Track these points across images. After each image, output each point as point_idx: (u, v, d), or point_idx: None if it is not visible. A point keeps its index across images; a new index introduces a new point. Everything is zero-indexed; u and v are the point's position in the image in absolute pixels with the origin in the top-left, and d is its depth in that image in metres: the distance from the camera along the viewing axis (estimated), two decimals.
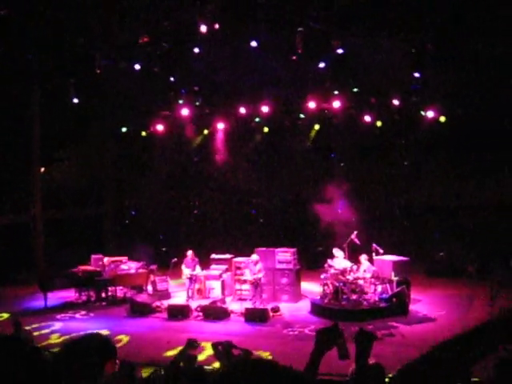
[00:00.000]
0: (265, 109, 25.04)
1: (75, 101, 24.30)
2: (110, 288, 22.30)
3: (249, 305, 20.01)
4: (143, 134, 27.77)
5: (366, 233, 21.90)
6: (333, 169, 28.11)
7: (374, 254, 20.51)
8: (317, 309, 19.46)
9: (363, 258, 20.18)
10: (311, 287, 22.96)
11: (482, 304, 18.87)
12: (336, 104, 23.87)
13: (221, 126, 26.60)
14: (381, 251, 20.46)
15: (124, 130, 27.09)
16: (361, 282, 19.32)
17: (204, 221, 30.61)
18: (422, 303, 20.30)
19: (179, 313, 19.48)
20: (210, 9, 19.66)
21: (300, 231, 27.56)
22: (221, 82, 23.90)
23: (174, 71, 23.74)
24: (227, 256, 22.93)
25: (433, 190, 26.03)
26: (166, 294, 22.47)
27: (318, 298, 20.11)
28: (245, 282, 21.26)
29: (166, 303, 20.84)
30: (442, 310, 19.03)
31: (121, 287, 22.67)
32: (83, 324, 18.93)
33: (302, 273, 22.42)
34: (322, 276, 20.02)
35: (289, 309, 20.18)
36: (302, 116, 26.09)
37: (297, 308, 20.46)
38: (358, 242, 20.42)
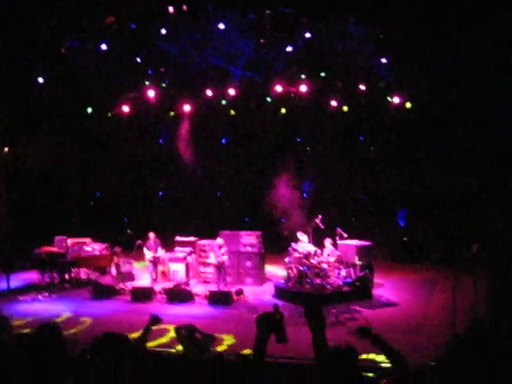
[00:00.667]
0: (231, 91, 24.96)
1: (40, 81, 24.02)
2: (73, 270, 22.19)
3: (213, 288, 20.04)
4: (109, 114, 27.50)
5: (330, 217, 22.01)
6: (299, 153, 28.12)
7: (337, 238, 20.61)
8: (280, 292, 19.54)
9: (327, 241, 20.29)
10: (275, 271, 23.07)
11: (444, 289, 19.12)
12: (303, 88, 23.87)
13: (187, 108, 26.43)
14: (345, 235, 20.57)
15: (89, 110, 26.79)
16: (325, 265, 19.44)
17: (169, 203, 30.50)
18: (384, 288, 20.49)
19: (143, 295, 19.44)
20: None
21: (265, 214, 27.58)
22: (188, 64, 23.77)
23: (140, 52, 23.53)
24: (191, 239, 22.93)
25: (399, 175, 26.13)
26: (130, 276, 22.40)
27: (282, 281, 20.21)
28: (209, 264, 21.30)
29: (129, 285, 20.81)
30: (404, 294, 19.22)
31: (84, 269, 22.56)
32: (46, 306, 18.81)
33: (266, 256, 22.50)
34: (286, 260, 20.10)
35: (253, 292, 20.26)
36: (268, 99, 26.04)
37: (261, 291, 20.54)
38: (322, 225, 20.50)
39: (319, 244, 20.36)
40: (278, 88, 24.13)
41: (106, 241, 23.65)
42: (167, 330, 15.27)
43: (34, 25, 20.88)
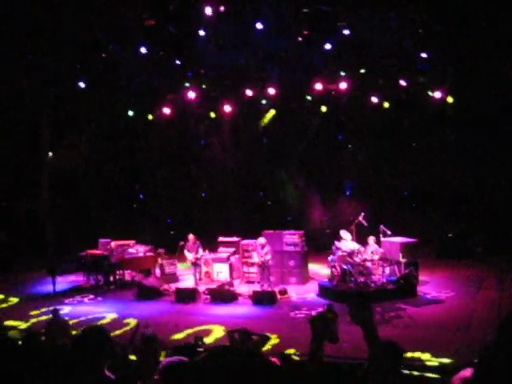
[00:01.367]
0: (271, 91, 24.95)
1: (82, 85, 24.28)
2: (117, 272, 22.36)
3: (256, 287, 20.02)
4: (150, 117, 27.70)
5: (373, 214, 21.86)
6: (340, 151, 28.03)
7: (381, 236, 20.44)
8: (324, 291, 19.44)
9: (371, 239, 20.14)
10: (319, 269, 22.98)
11: (491, 286, 18.88)
12: (342, 85, 23.75)
13: (227, 108, 26.46)
14: (388, 233, 20.38)
15: (131, 113, 27.02)
16: (368, 264, 19.29)
17: (212, 204, 30.60)
18: (430, 285, 20.24)
19: (187, 296, 19.49)
20: None
21: (309, 214, 27.52)
22: (227, 65, 23.83)
23: (180, 54, 23.63)
24: (235, 239, 22.94)
25: (442, 171, 25.83)
26: (174, 278, 22.52)
27: (326, 280, 20.10)
28: (252, 264, 21.29)
29: (173, 286, 20.89)
30: (450, 292, 18.98)
31: (129, 271, 22.74)
32: (91, 308, 18.98)
33: (309, 255, 22.42)
34: (330, 258, 19.99)
35: (296, 291, 20.18)
36: (308, 98, 25.96)
37: (304, 290, 20.44)
38: (365, 223, 20.34)
39: (363, 242, 20.21)
40: (318, 86, 24.05)
41: (150, 243, 23.80)
42: (211, 331, 15.39)
43: (76, 30, 21.05)
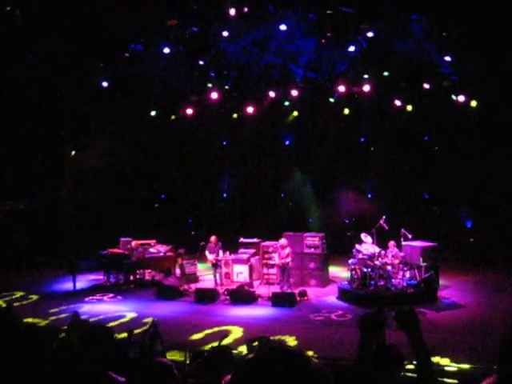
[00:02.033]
0: (294, 92, 24.93)
1: (105, 85, 24.37)
2: (138, 271, 22.42)
3: (276, 289, 20.00)
4: (172, 117, 27.77)
5: (394, 218, 21.77)
6: (362, 153, 27.92)
7: (402, 240, 20.37)
8: (344, 294, 19.39)
9: (391, 243, 20.06)
10: (339, 272, 22.91)
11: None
12: (366, 88, 23.68)
13: (250, 109, 26.46)
14: (409, 236, 20.30)
15: (153, 113, 27.09)
16: (389, 267, 19.21)
17: (233, 204, 30.60)
18: (450, 289, 20.12)
19: (207, 296, 19.53)
20: None
21: (328, 216, 27.44)
22: (250, 66, 23.86)
23: (202, 55, 23.65)
24: (255, 240, 22.93)
25: (464, 175, 25.62)
26: (194, 278, 22.56)
27: (346, 283, 20.04)
28: (273, 266, 21.26)
29: (193, 287, 20.93)
30: (471, 297, 18.85)
31: (149, 270, 22.79)
32: (111, 307, 19.06)
33: (329, 258, 22.36)
34: (350, 261, 19.92)
35: (316, 293, 20.15)
36: (331, 100, 25.90)
37: (324, 293, 20.40)
38: (386, 227, 20.26)
39: (383, 245, 20.13)
40: (341, 88, 23.99)
41: (171, 242, 23.85)
42: (230, 332, 15.39)
43: (98, 30, 21.14)
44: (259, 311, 18.18)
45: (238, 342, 14.29)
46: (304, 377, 2.40)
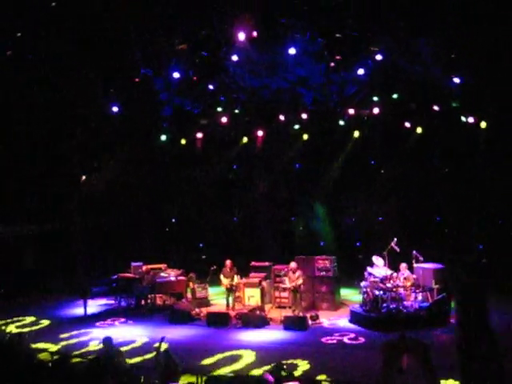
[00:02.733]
0: (304, 116, 24.98)
1: (115, 109, 24.43)
2: (149, 295, 22.38)
3: (288, 312, 19.94)
4: (183, 142, 27.82)
5: (406, 240, 21.67)
6: (373, 175, 27.88)
7: (414, 262, 20.29)
8: (356, 317, 19.30)
9: (403, 265, 19.99)
10: (351, 295, 22.82)
11: None
12: (375, 110, 23.72)
13: (260, 133, 26.51)
14: (421, 258, 20.22)
15: (163, 138, 27.15)
16: (401, 290, 19.13)
17: (244, 228, 30.56)
18: None
19: (218, 320, 19.47)
20: (248, 16, 19.57)
21: (339, 239, 27.38)
22: (259, 89, 23.93)
23: (212, 79, 23.74)
24: (266, 264, 22.89)
25: (474, 196, 25.52)
26: (206, 302, 22.51)
27: (358, 306, 19.95)
28: (284, 289, 21.19)
29: (205, 311, 20.88)
30: None
31: (160, 295, 22.75)
32: (122, 331, 18.99)
33: (341, 280, 22.28)
34: (362, 284, 19.85)
35: (328, 317, 20.06)
36: (341, 123, 25.94)
37: (336, 316, 20.31)
38: (397, 249, 20.17)
39: (395, 268, 20.05)
40: (351, 111, 24.04)
41: (182, 267, 23.85)
42: (242, 356, 15.33)
43: (108, 55, 21.22)
44: (271, 335, 18.09)
45: (249, 367, 14.25)
46: None
